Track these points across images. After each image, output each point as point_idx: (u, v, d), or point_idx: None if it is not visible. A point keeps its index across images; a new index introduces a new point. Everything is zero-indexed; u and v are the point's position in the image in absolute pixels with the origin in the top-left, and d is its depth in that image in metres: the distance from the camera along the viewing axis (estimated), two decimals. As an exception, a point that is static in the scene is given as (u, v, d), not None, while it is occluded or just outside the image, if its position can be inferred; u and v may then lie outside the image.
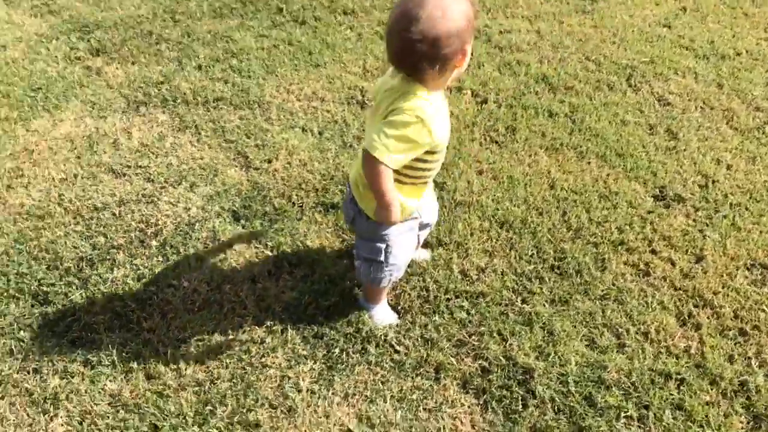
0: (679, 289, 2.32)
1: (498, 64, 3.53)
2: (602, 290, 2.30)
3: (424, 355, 2.08)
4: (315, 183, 2.71)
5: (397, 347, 2.10)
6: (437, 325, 2.16)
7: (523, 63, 3.53)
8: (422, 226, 2.14)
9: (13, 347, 2.05)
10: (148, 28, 3.78)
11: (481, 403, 1.97)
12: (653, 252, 2.46)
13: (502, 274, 2.34)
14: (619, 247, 2.47)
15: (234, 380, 1.98)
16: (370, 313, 2.20)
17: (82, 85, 3.29)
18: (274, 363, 2.03)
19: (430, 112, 1.68)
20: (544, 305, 2.24)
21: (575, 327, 2.17)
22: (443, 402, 1.96)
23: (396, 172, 1.77)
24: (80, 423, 1.87)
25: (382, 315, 2.21)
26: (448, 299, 2.25)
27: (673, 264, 2.41)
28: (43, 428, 1.85)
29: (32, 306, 2.18)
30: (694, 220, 2.60)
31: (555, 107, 3.19)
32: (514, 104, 3.19)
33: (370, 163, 1.67)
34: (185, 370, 2.00)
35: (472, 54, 1.81)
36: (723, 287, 2.32)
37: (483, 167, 2.81)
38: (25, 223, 2.49)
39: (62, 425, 1.86)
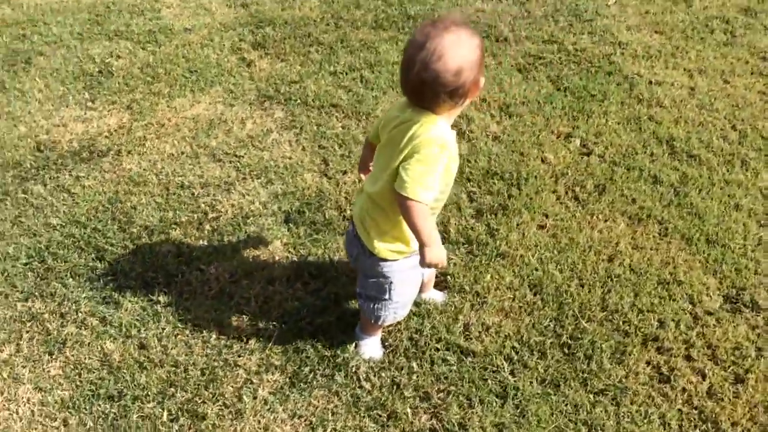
0: (695, 408, 2.01)
1: (626, 116, 3.27)
2: (603, 384, 2.08)
3: (383, 399, 2.07)
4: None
5: (363, 383, 2.12)
6: (411, 372, 2.14)
7: (655, 120, 3.23)
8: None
9: (56, 290, 2.46)
10: (309, 30, 4.11)
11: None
12: (687, 358, 2.16)
13: (504, 338, 2.22)
14: (650, 344, 2.20)
15: (204, 371, 2.16)
16: (359, 342, 2.24)
17: (231, 73, 3.72)
18: (245, 365, 2.17)
19: (450, 138, 1.75)
20: (531, 383, 2.09)
21: (552, 416, 2.00)
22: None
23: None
24: (71, 370, 2.18)
25: (369, 348, 2.24)
26: (436, 349, 2.20)
27: (704, 377, 2.10)
28: (43, 367, 2.20)
29: (90, 259, 2.57)
30: (757, 335, 2.22)
31: (663, 174, 2.89)
32: (618, 162, 2.95)
33: (407, 205, 1.72)
34: (171, 349, 2.23)
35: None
36: (748, 421, 1.97)
37: (547, 222, 2.66)
38: (124, 186, 2.93)
39: (57, 368, 2.19)
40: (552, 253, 2.52)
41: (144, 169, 3.01)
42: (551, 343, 2.21)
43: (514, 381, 2.09)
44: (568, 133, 3.13)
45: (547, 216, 2.69)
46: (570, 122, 3.19)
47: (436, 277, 2.44)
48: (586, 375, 2.10)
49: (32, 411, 2.07)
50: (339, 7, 4.34)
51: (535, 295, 2.38)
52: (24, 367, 2.20)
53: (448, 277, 2.44)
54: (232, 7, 4.48)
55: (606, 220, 2.68)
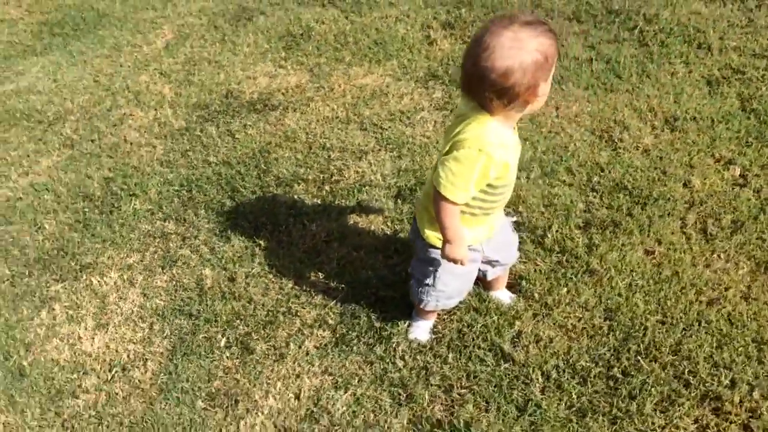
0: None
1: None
2: (634, 429, 1.89)
3: (408, 380, 2.13)
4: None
5: (398, 360, 2.19)
6: (445, 363, 2.16)
7: None
8: (488, 261, 2.14)
9: (188, 217, 2.86)
10: (506, 11, 4.08)
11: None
12: (744, 428, 1.86)
13: (550, 354, 2.13)
14: (709, 402, 1.94)
15: (270, 312, 2.41)
16: (412, 323, 2.31)
17: (411, 49, 3.86)
18: (304, 316, 2.38)
19: (494, 141, 1.72)
20: (557, 405, 1.99)
21: None
22: (386, 427, 2.03)
23: None
24: (172, 286, 2.57)
25: (418, 331, 2.29)
26: (479, 347, 2.18)
27: (754, 457, 1.78)
28: (154, 278, 2.63)
29: (225, 196, 2.94)
30: None
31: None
32: None
33: (438, 199, 1.81)
34: (252, 287, 2.50)
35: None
36: None
37: (657, 250, 2.42)
38: (277, 139, 3.27)
39: (163, 281, 2.60)
40: (646, 283, 2.30)
41: (299, 127, 3.33)
42: (599, 372, 2.05)
43: (541, 398, 2.01)
44: (729, 159, 2.77)
45: (660, 243, 2.45)
46: (739, 147, 2.81)
47: (512, 278, 2.41)
48: (620, 413, 1.94)
49: (132, 310, 2.50)
50: (545, -7, 4.26)
51: (605, 320, 2.21)
52: (140, 273, 2.65)
53: (524, 281, 2.38)
54: (443, -14, 4.65)
55: (727, 261, 2.36)
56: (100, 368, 2.31)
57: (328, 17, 4.32)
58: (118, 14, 4.83)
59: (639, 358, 2.08)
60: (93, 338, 2.41)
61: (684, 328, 2.16)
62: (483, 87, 1.65)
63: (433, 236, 1.98)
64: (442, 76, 3.57)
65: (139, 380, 2.25)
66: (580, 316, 2.25)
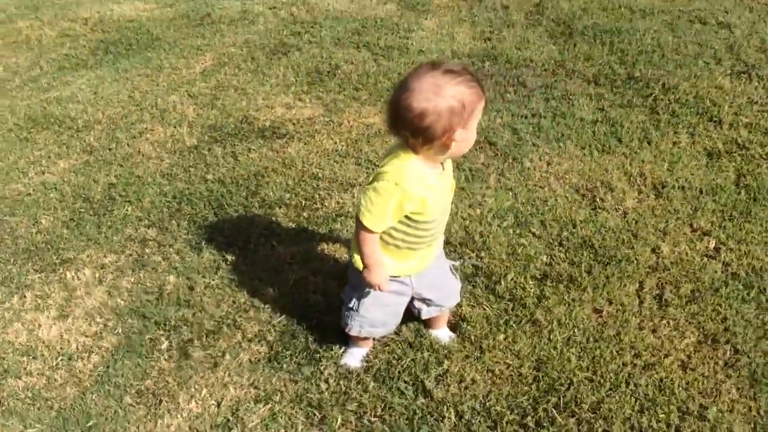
0: None
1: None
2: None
3: (325, 402, 2.16)
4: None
5: (320, 383, 2.23)
6: (365, 390, 2.18)
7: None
8: (422, 299, 2.18)
9: (170, 226, 3.01)
10: (522, 74, 4.16)
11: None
12: None
13: (469, 396, 2.12)
14: None
15: (215, 323, 2.49)
16: (347, 349, 2.36)
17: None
18: (246, 330, 2.44)
19: (411, 178, 1.83)
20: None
21: None
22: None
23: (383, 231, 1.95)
24: (135, 288, 2.70)
25: (349, 357, 2.35)
26: (402, 380, 2.19)
27: None
28: (122, 278, 2.77)
29: (210, 212, 3.08)
30: None
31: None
32: (740, 276, 2.48)
33: (358, 226, 1.93)
34: (206, 297, 2.60)
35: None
36: None
37: (606, 310, 2.39)
38: (274, 165, 3.40)
39: (128, 283, 2.74)
40: (585, 340, 2.28)
41: (298, 156, 3.47)
42: (512, 419, 2.04)
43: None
44: (707, 231, 2.71)
45: (611, 303, 2.42)
46: (720, 220, 2.76)
47: (455, 319, 2.43)
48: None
49: (93, 306, 2.65)
50: (568, 56, 4.31)
51: (533, 370, 2.20)
52: (111, 273, 2.81)
53: (465, 323, 2.39)
54: (476, 39, 4.76)
55: (675, 329, 2.30)
56: (49, 355, 2.45)
57: (358, 59, 4.51)
58: (169, 39, 5.17)
59: (555, 411, 2.06)
60: (51, 327, 2.56)
61: (610, 388, 2.12)
62: (402, 125, 1.78)
63: (359, 261, 2.05)
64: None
65: (80, 370, 2.38)
66: (510, 363, 2.24)
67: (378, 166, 1.90)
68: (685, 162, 3.18)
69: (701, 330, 2.33)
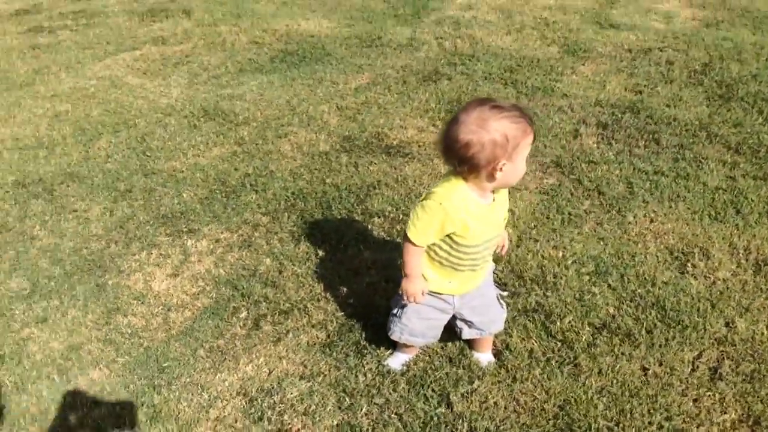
0: None
1: None
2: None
3: (358, 392, 2.40)
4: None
5: (359, 375, 2.48)
6: (394, 390, 2.39)
7: None
8: (462, 319, 2.35)
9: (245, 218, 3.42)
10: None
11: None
12: None
13: (487, 417, 2.25)
14: None
15: (291, 305, 2.82)
16: (394, 352, 2.59)
17: (552, 136, 4.07)
18: (313, 316, 2.76)
19: (455, 201, 2.07)
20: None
21: None
22: (318, 420, 2.33)
23: (429, 247, 2.19)
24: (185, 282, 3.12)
25: (393, 360, 2.57)
26: (431, 388, 2.38)
27: None
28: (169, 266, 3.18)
29: (316, 208, 3.45)
30: None
31: None
32: None
33: (404, 237, 2.21)
34: (289, 281, 2.95)
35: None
36: None
37: (654, 370, 2.38)
38: (386, 180, 3.71)
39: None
40: (620, 392, 2.30)
41: (412, 176, 3.74)
42: (518, 447, 2.14)
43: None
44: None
45: (660, 364, 2.40)
46: None
47: (500, 346, 2.56)
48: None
49: (200, 272, 3.10)
50: (717, 120, 4.18)
51: (557, 408, 2.28)
52: (222, 247, 3.25)
53: (508, 351, 2.51)
54: (627, 90, 4.75)
55: (718, 403, 2.25)
56: (154, 303, 2.92)
57: (500, 94, 4.71)
58: (338, 55, 5.70)
59: (563, 449, 2.13)
60: (162, 281, 3.04)
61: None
62: (451, 154, 2.01)
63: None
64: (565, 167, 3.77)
65: (172, 321, 2.82)
66: (537, 396, 2.35)
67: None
68: None
69: (746, 409, 2.27)
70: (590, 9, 6.68)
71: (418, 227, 2.10)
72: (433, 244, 2.17)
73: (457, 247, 2.14)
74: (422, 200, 2.11)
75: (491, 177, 1.99)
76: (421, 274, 2.22)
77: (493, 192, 2.12)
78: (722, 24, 6.08)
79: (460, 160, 1.98)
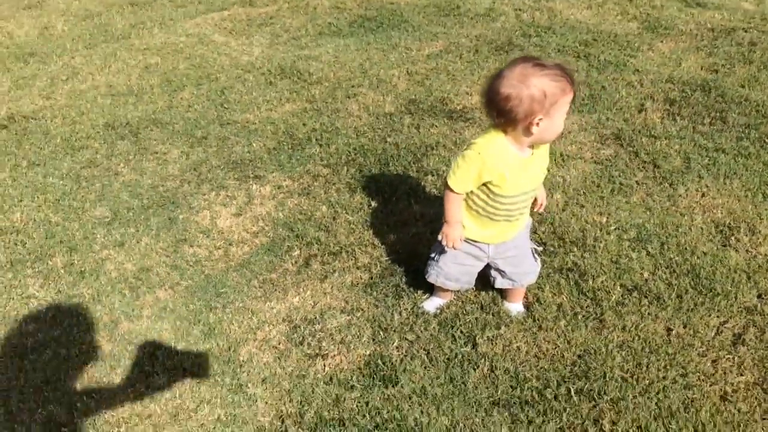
0: None
1: None
2: (521, 434, 2.07)
3: (392, 328, 2.62)
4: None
5: (395, 314, 2.69)
6: (425, 329, 2.60)
7: None
8: (496, 268, 2.53)
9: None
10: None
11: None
12: None
13: (509, 358, 2.44)
14: None
15: (340, 248, 3.06)
16: (430, 296, 2.79)
17: (617, 108, 4.10)
18: (359, 259, 2.99)
19: (493, 151, 2.24)
20: (484, 389, 2.33)
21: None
22: (353, 347, 2.57)
23: (467, 196, 2.35)
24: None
25: (429, 303, 2.77)
26: (460, 330, 2.58)
27: None
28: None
29: (374, 164, 3.65)
30: None
31: None
32: None
33: (445, 185, 2.41)
34: (341, 227, 3.19)
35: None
36: None
37: (677, 331, 2.47)
38: (444, 142, 3.88)
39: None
40: (640, 348, 2.43)
41: (470, 137, 3.85)
42: (533, 386, 2.32)
43: (475, 380, 2.37)
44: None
45: (685, 326, 2.51)
46: None
47: (532, 298, 2.72)
48: (520, 421, 2.18)
49: (262, 213, 3.37)
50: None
51: (576, 356, 2.43)
52: (283, 193, 3.52)
53: (538, 304, 2.66)
54: (703, 69, 4.69)
55: (736, 365, 2.35)
56: (218, 237, 3.23)
57: (573, 67, 4.74)
58: (414, 23, 5.84)
59: (575, 392, 2.28)
60: (227, 219, 3.34)
61: (639, 392, 2.28)
62: (491, 106, 2.17)
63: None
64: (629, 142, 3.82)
65: (232, 254, 3.11)
66: (558, 345, 2.50)
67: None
68: None
69: (763, 374, 2.35)
70: (679, -14, 6.59)
71: (457, 175, 2.28)
72: (471, 193, 2.35)
73: (494, 197, 2.30)
74: (463, 150, 2.29)
75: (528, 131, 2.14)
76: (460, 221, 2.41)
77: (532, 147, 2.27)
78: (817, 6, 5.90)
79: (499, 113, 2.13)
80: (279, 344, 2.63)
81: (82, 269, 3.04)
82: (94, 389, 2.46)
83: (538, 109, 2.08)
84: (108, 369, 2.54)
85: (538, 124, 2.11)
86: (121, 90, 4.83)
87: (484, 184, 2.29)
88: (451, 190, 2.32)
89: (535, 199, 2.51)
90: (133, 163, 3.85)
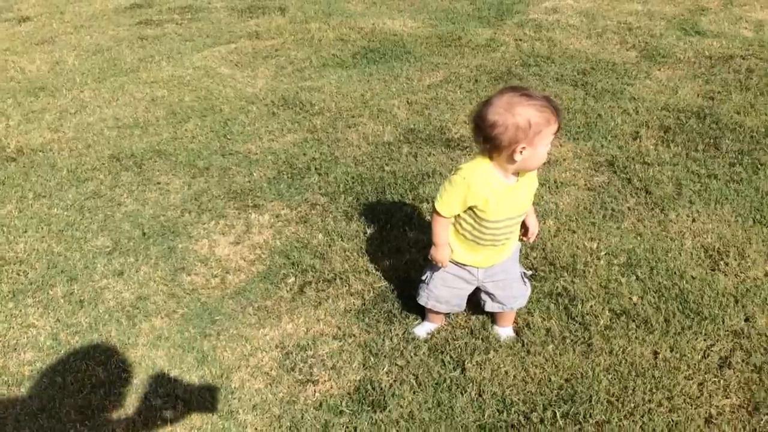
0: None
1: None
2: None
3: (383, 354, 2.66)
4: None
5: (386, 339, 2.73)
6: (415, 354, 2.64)
7: None
8: (484, 291, 2.60)
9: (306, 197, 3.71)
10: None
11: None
12: None
13: (496, 383, 2.47)
14: None
15: (334, 275, 3.11)
16: (422, 321, 2.84)
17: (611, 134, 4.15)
18: (353, 286, 3.04)
19: (478, 177, 2.31)
20: (471, 413, 2.36)
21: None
22: (343, 374, 2.61)
23: (455, 220, 2.41)
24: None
25: (420, 328, 2.81)
26: (449, 354, 2.61)
27: None
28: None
29: (371, 193, 3.72)
30: None
31: None
32: None
33: (433, 209, 2.48)
34: (336, 254, 3.25)
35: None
36: None
37: (664, 355, 2.48)
38: (440, 170, 3.94)
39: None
40: (626, 372, 2.46)
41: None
42: (519, 409, 2.35)
43: (462, 404, 2.39)
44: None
45: (672, 350, 2.53)
46: None
47: (521, 323, 2.76)
48: (506, 444, 2.20)
49: (259, 242, 3.44)
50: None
51: (563, 380, 2.45)
52: (281, 222, 3.59)
53: (528, 329, 2.68)
54: (699, 96, 4.74)
55: (722, 389, 2.37)
56: (215, 266, 3.28)
57: (568, 95, 4.85)
58: (416, 54, 5.96)
59: (560, 415, 2.31)
60: (225, 248, 3.41)
61: (624, 415, 2.30)
62: (478, 131, 2.25)
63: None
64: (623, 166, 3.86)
65: (229, 281, 3.17)
66: (546, 369, 2.53)
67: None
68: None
69: (748, 396, 2.37)
70: (678, 15, 6.66)
71: (444, 199, 2.35)
72: (459, 217, 2.41)
73: (479, 221, 2.36)
74: (450, 175, 2.36)
75: (511, 158, 2.20)
76: (448, 244, 2.46)
77: (518, 174, 2.33)
78: (815, 33, 5.95)
79: (485, 138, 2.21)
80: (271, 370, 2.67)
81: (82, 298, 3.10)
82: (88, 417, 2.51)
83: (522, 138, 2.15)
84: (102, 397, 2.58)
85: (521, 152, 2.17)
86: (127, 122, 4.95)
87: (470, 209, 2.36)
88: (439, 214, 2.39)
89: (527, 230, 2.59)
90: (136, 194, 3.93)
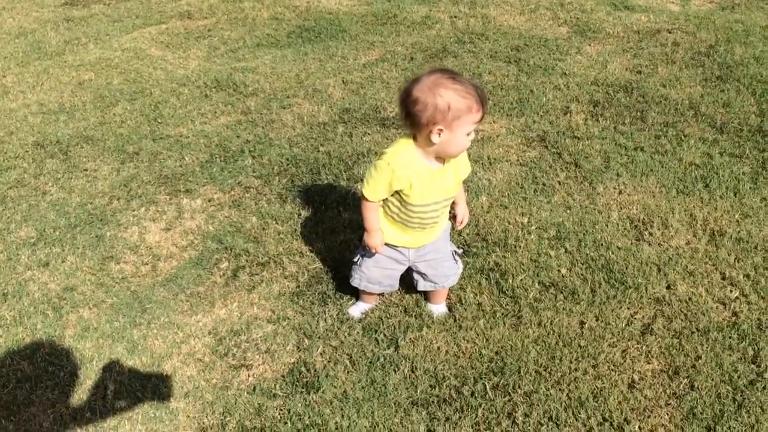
0: None
1: None
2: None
3: (317, 335, 2.68)
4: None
5: (320, 321, 2.75)
6: (349, 334, 2.66)
7: None
8: (416, 271, 2.63)
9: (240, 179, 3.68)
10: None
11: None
12: None
13: (429, 359, 2.51)
14: None
15: (268, 258, 3.10)
16: (356, 301, 2.87)
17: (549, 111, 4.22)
18: (287, 268, 3.04)
19: (402, 161, 2.33)
20: (404, 390, 2.40)
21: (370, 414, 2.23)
22: (276, 357, 2.62)
23: (384, 203, 2.42)
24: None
25: (354, 309, 2.84)
26: (383, 333, 2.65)
27: None
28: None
29: (307, 174, 3.71)
30: None
31: None
32: None
33: (361, 195, 2.48)
34: (270, 237, 3.22)
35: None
36: None
37: (590, 325, 2.57)
38: (376, 149, 3.93)
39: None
40: (554, 342, 2.53)
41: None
42: (451, 384, 2.40)
43: (396, 380, 2.43)
44: (736, 282, 2.76)
45: (597, 319, 2.63)
46: (758, 276, 2.80)
47: (455, 299, 2.81)
48: (439, 421, 2.25)
49: (191, 227, 3.39)
50: (707, 100, 4.28)
51: (494, 353, 2.52)
52: (213, 206, 3.55)
53: (460, 304, 2.73)
54: (627, 71, 4.86)
55: (644, 354, 2.47)
56: (145, 253, 3.24)
57: (502, 72, 4.88)
58: (352, 32, 5.92)
59: (490, 388, 2.37)
60: (156, 234, 3.35)
61: (552, 384, 2.37)
62: (401, 105, 2.26)
63: (365, 224, 2.53)
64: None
65: (160, 269, 3.13)
66: (477, 343, 2.58)
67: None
68: (761, 218, 3.17)
69: (669, 361, 2.47)
70: (609, -9, 6.80)
71: (370, 184, 2.36)
72: (387, 200, 2.43)
73: (406, 205, 2.38)
74: (375, 160, 2.36)
75: (429, 140, 2.22)
76: (380, 228, 2.48)
77: (443, 161, 2.35)
78: (738, 7, 6.12)
79: (407, 114, 2.23)
80: (204, 357, 2.65)
81: (5, 291, 3.01)
82: (13, 413, 2.45)
83: (440, 119, 2.17)
84: (28, 391, 2.53)
85: (438, 134, 2.19)
86: (52, 108, 4.79)
87: (397, 192, 2.37)
88: (366, 199, 2.40)
89: (455, 216, 2.62)
90: (62, 182, 3.82)
